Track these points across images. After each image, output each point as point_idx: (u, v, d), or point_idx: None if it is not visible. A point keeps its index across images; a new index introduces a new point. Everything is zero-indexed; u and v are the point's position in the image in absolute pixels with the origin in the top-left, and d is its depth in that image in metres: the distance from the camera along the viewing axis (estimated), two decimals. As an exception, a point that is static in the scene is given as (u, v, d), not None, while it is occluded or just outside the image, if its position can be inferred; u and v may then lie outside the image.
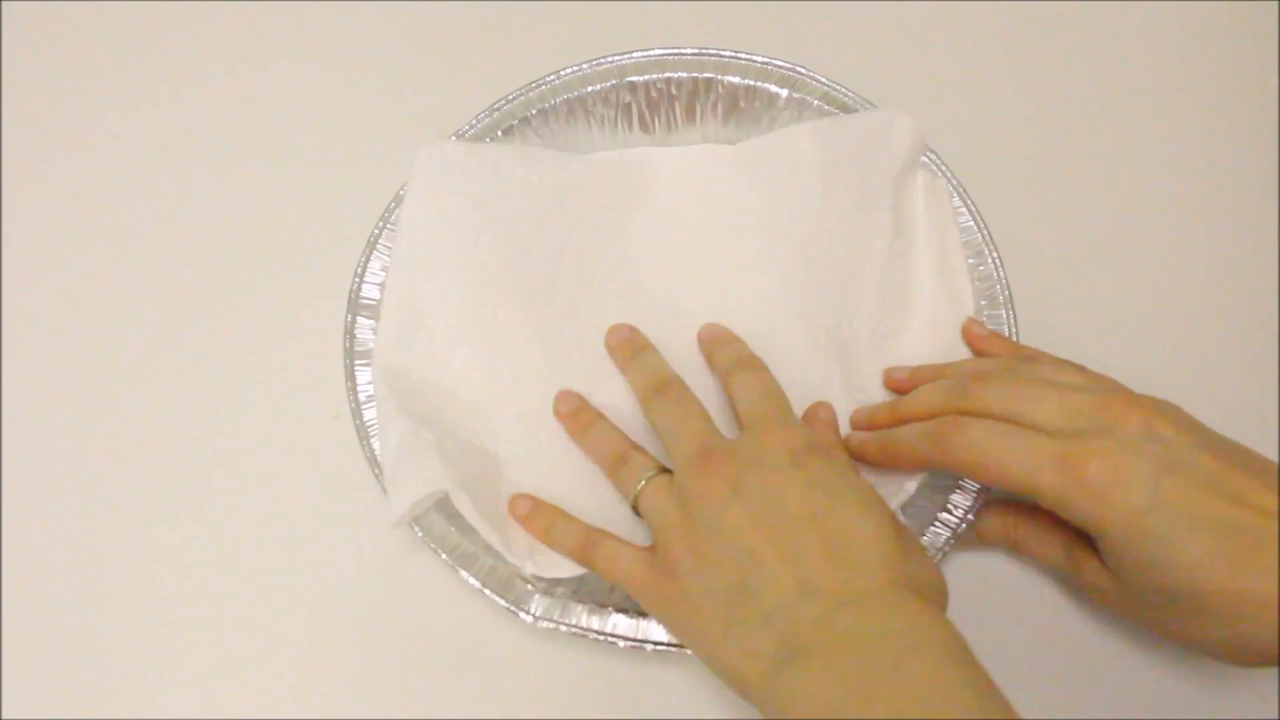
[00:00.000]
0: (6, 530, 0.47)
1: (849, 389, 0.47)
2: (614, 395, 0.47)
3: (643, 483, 0.41)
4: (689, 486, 0.39)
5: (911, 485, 0.45)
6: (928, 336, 0.47)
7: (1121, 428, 0.37)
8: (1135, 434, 0.37)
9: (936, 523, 0.44)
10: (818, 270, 0.48)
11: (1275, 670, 0.44)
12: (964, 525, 0.44)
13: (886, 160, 0.48)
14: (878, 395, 0.47)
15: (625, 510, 0.43)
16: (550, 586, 0.43)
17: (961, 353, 0.47)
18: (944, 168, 0.50)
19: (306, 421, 0.48)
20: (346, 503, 0.47)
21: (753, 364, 0.44)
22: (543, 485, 0.45)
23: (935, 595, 0.37)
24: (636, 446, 0.43)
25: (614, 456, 0.43)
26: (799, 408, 0.45)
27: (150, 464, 0.48)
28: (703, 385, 0.46)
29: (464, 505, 0.42)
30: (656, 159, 0.51)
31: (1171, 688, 0.44)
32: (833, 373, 0.47)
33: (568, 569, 0.43)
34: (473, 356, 0.46)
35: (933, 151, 0.50)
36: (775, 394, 0.42)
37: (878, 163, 0.48)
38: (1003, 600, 0.45)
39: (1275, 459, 0.46)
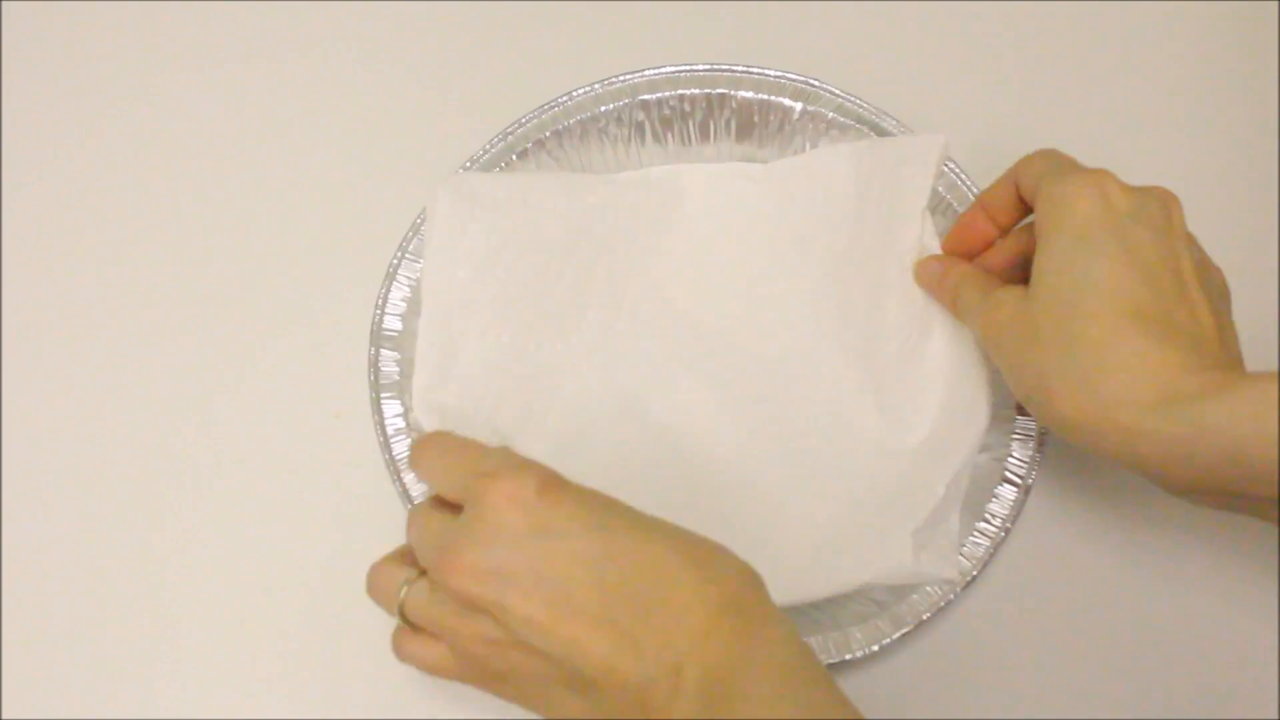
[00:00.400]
0: (6, 529, 0.46)
1: (882, 409, 0.46)
2: (647, 421, 0.47)
3: (403, 591, 0.36)
4: (455, 595, 0.34)
5: (940, 489, 0.44)
6: (952, 351, 0.47)
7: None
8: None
9: (976, 534, 0.44)
10: (848, 290, 0.48)
11: (1276, 668, 0.44)
12: (1003, 535, 0.44)
13: (922, 180, 0.48)
14: (911, 415, 0.46)
15: None
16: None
17: (981, 369, 0.46)
18: (962, 177, 0.50)
19: (309, 422, 0.48)
20: (352, 504, 0.47)
21: (415, 450, 0.39)
22: None
23: (749, 587, 0.34)
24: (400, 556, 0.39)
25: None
26: (833, 431, 0.46)
27: (154, 467, 0.48)
28: (734, 407, 0.47)
29: None
30: (684, 177, 0.51)
31: (1171, 688, 0.44)
32: (866, 395, 0.46)
33: None
34: (505, 391, 0.46)
35: (951, 160, 0.50)
36: (458, 449, 0.37)
37: (913, 182, 0.48)
38: (1007, 603, 0.46)
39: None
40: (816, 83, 0.51)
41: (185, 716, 0.43)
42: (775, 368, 0.48)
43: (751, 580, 0.35)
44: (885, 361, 0.47)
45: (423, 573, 0.36)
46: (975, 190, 0.50)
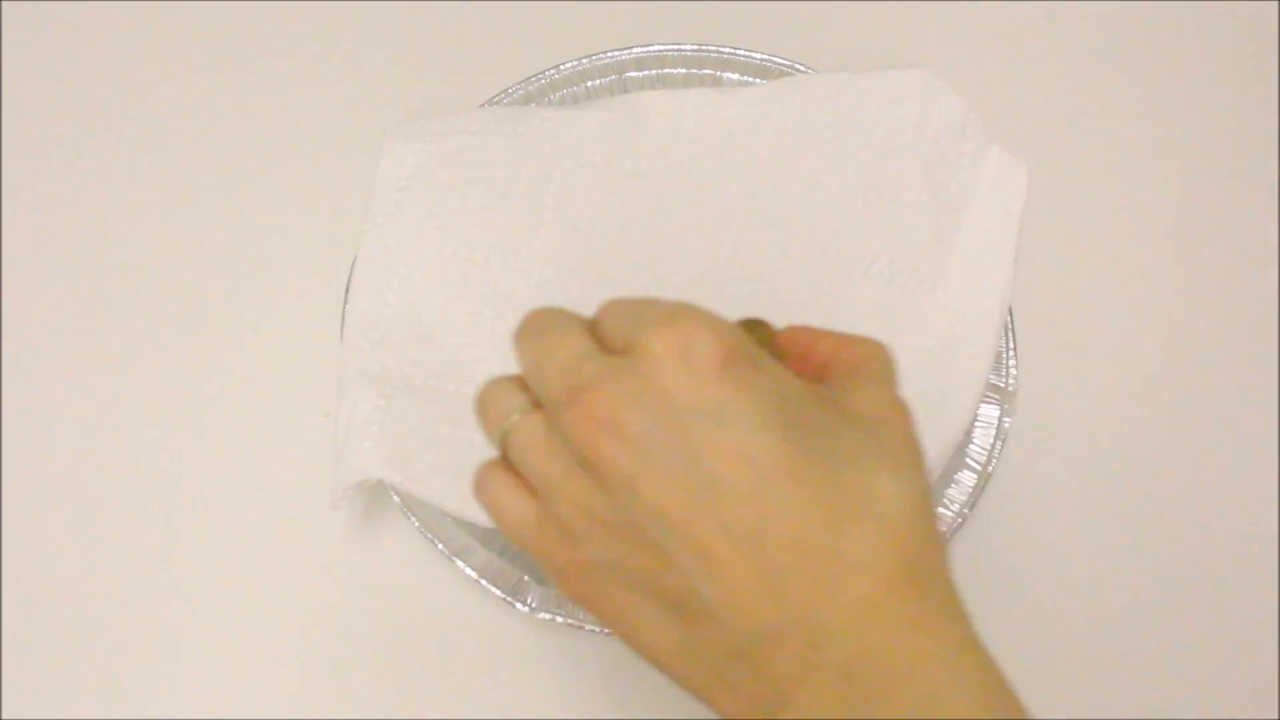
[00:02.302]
0: (6, 530, 0.46)
1: (862, 331, 0.45)
2: None
3: (514, 417, 0.30)
4: (576, 446, 0.28)
5: None
6: (957, 301, 0.46)
7: None
8: None
9: (932, 517, 0.44)
10: (825, 219, 0.47)
11: (1276, 672, 0.44)
12: (960, 520, 0.44)
13: (920, 119, 0.47)
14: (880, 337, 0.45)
15: None
16: (547, 575, 0.43)
17: (990, 327, 0.45)
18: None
19: (299, 420, 0.48)
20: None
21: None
22: None
23: (931, 547, 0.28)
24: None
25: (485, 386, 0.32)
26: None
27: (148, 470, 0.47)
28: None
29: (403, 483, 0.42)
30: (644, 101, 0.49)
31: (1171, 687, 0.44)
32: (839, 316, 0.45)
33: None
34: (450, 302, 0.46)
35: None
36: (628, 301, 0.30)
37: (909, 120, 0.47)
38: (997, 593, 0.45)
39: (1276, 461, 0.47)
40: (802, 67, 0.51)
41: (185, 717, 0.43)
42: (744, 297, 0.46)
43: (933, 540, 0.28)
44: (864, 297, 0.46)
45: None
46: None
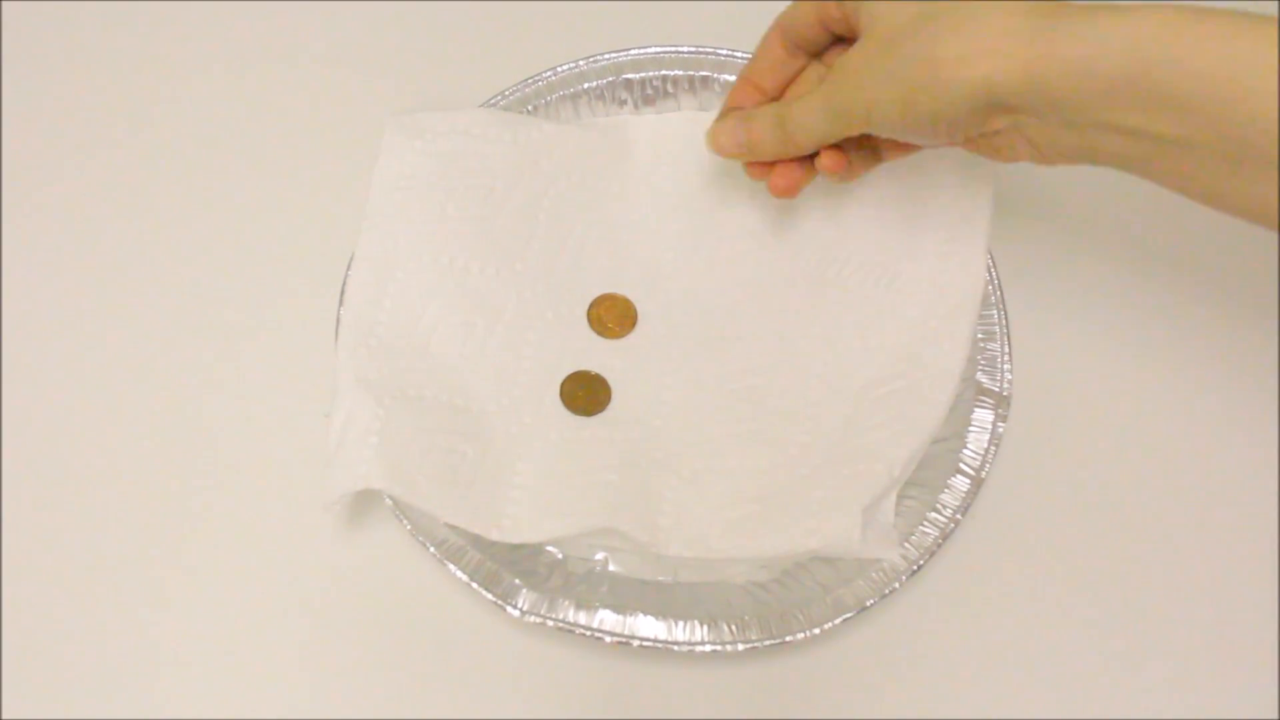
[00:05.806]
0: (6, 531, 0.47)
1: (833, 344, 0.46)
2: (584, 357, 0.47)
3: None
4: None
5: (896, 470, 0.43)
6: (930, 296, 0.46)
7: None
8: None
9: (925, 523, 0.44)
10: (799, 216, 0.48)
11: (1275, 665, 0.44)
12: (954, 525, 0.44)
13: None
14: (862, 353, 0.46)
15: (607, 475, 0.43)
16: (539, 581, 0.43)
17: (964, 319, 0.45)
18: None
19: (291, 421, 0.48)
20: (343, 504, 0.47)
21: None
22: (513, 447, 0.44)
23: None
24: None
25: None
26: (780, 369, 0.46)
27: (143, 466, 0.48)
28: (679, 348, 0.47)
29: (402, 494, 0.42)
30: (631, 127, 0.51)
31: (1171, 687, 0.44)
32: (816, 328, 0.47)
33: (532, 534, 0.42)
34: (445, 311, 0.46)
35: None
36: None
37: None
38: (992, 598, 0.45)
39: (1275, 463, 0.47)
40: (799, 69, 0.51)
41: (184, 717, 0.44)
42: (724, 308, 0.48)
43: None
44: (841, 299, 0.47)
45: None
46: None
